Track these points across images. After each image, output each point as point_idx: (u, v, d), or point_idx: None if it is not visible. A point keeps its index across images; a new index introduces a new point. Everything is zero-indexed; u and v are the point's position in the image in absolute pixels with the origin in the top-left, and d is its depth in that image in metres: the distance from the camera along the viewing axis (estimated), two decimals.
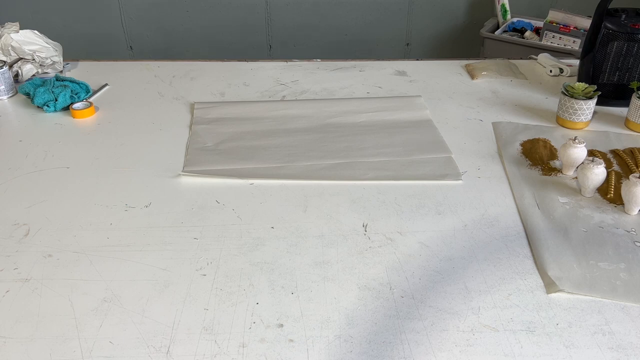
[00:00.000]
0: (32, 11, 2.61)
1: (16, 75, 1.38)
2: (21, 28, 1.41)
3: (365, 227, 0.91)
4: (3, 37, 1.36)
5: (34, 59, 1.37)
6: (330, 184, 1.02)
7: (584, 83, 1.20)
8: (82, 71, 1.46)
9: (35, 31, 1.42)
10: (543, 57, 1.52)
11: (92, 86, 1.35)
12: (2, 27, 1.39)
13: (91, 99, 1.31)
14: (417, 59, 1.55)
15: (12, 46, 1.36)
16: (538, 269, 0.82)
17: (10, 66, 1.36)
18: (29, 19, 2.59)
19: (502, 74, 1.44)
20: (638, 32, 1.21)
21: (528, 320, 0.74)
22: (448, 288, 0.79)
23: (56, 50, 1.41)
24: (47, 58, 1.38)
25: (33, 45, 1.38)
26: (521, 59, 1.56)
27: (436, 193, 0.99)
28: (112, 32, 2.78)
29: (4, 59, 1.37)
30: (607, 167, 1.00)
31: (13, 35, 1.36)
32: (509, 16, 2.58)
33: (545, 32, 2.40)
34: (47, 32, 1.48)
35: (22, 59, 1.38)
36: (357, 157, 1.09)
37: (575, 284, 0.79)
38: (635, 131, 1.19)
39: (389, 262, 0.84)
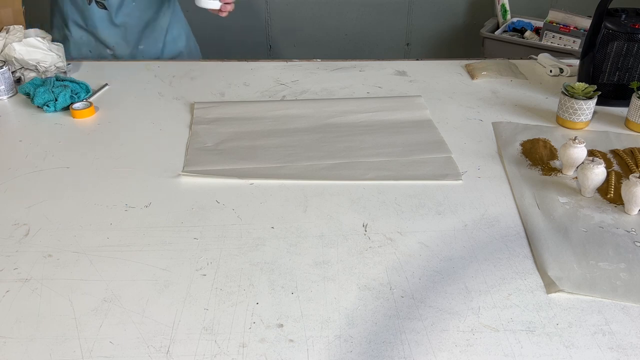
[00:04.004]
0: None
1: (18, 80, 1.37)
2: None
3: (365, 227, 0.91)
4: (6, 48, 1.34)
5: (37, 69, 1.36)
6: (330, 184, 1.02)
7: (584, 83, 1.20)
8: (83, 71, 1.46)
9: (38, 33, 1.40)
10: (543, 57, 1.52)
11: (92, 86, 1.35)
12: (6, 32, 1.37)
13: (91, 99, 1.31)
14: (417, 59, 1.55)
15: (15, 57, 1.35)
16: (538, 269, 0.82)
17: (13, 72, 1.35)
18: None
19: (502, 74, 1.44)
20: (638, 32, 1.21)
21: (528, 320, 0.74)
22: (448, 288, 0.79)
23: (59, 56, 1.39)
24: (51, 65, 1.37)
25: (36, 54, 1.36)
26: (521, 59, 1.56)
27: (436, 193, 0.99)
28: None
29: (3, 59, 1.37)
30: (607, 167, 1.00)
31: (15, 45, 1.34)
32: (509, 16, 2.58)
33: (545, 32, 2.40)
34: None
35: (25, 67, 1.37)
36: (357, 157, 1.09)
37: (575, 284, 0.79)
38: (635, 131, 1.19)
39: (389, 262, 0.84)
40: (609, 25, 1.23)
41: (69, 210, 0.95)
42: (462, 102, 1.31)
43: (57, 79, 1.31)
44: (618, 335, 0.72)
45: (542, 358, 0.69)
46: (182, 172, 1.04)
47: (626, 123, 1.22)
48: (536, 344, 0.71)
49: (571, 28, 2.36)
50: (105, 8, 1.48)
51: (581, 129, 1.20)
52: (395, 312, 0.75)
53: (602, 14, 1.24)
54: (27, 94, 1.29)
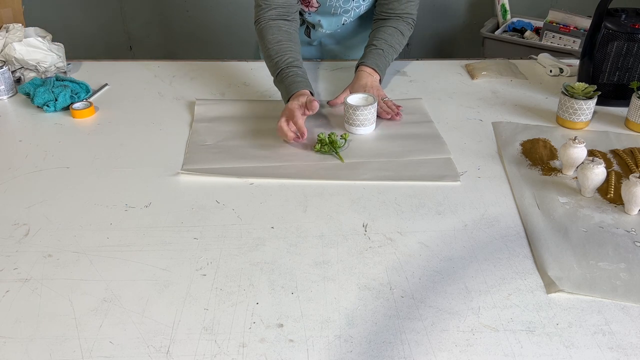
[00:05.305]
0: (32, 11, 2.61)
1: (18, 80, 1.37)
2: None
3: (365, 227, 0.91)
4: (6, 48, 1.34)
5: (37, 69, 1.36)
6: (330, 184, 1.02)
7: (584, 83, 1.20)
8: (82, 71, 1.46)
9: (38, 32, 1.40)
10: (543, 57, 1.52)
11: (92, 86, 1.35)
12: (7, 31, 1.37)
13: (91, 99, 1.31)
14: (417, 59, 1.55)
15: (15, 57, 1.34)
16: (538, 269, 0.82)
17: (13, 72, 1.35)
18: (28, 18, 2.60)
19: (502, 74, 1.44)
20: (638, 32, 1.21)
21: (528, 320, 0.74)
22: (448, 288, 0.79)
23: (59, 56, 1.39)
24: (51, 65, 1.37)
25: (36, 54, 1.35)
26: (521, 59, 1.56)
27: (436, 193, 0.99)
28: (112, 33, 2.78)
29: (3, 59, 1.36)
30: (607, 167, 1.00)
31: (16, 45, 1.34)
32: (509, 16, 2.58)
33: (545, 32, 2.40)
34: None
35: (25, 67, 1.37)
36: (356, 157, 1.09)
37: (575, 284, 0.79)
38: (635, 131, 1.19)
39: (389, 262, 0.84)
40: (609, 25, 1.23)
41: (69, 210, 0.95)
42: (462, 102, 1.31)
43: (57, 79, 1.31)
44: (618, 335, 0.72)
45: (542, 358, 0.69)
46: (181, 170, 1.04)
47: (626, 123, 1.22)
48: (536, 344, 0.71)
49: (571, 28, 2.36)
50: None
51: (581, 129, 1.20)
52: (395, 312, 0.75)
53: (602, 14, 1.24)
54: (27, 94, 1.29)
